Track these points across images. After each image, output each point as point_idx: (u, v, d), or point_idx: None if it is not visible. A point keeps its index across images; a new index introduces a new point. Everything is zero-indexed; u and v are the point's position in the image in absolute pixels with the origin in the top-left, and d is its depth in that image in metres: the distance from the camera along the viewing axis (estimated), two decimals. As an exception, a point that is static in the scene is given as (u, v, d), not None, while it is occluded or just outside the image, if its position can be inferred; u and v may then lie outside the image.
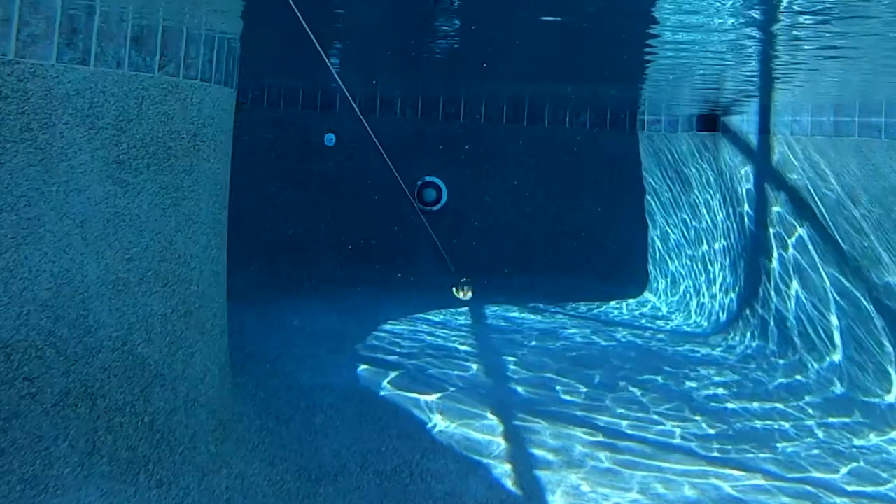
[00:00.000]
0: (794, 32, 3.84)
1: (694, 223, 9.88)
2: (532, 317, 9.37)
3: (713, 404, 6.45)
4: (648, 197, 10.76)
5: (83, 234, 3.88)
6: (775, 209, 7.97)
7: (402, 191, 10.64)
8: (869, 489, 5.00)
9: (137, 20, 4.00)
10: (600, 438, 5.51)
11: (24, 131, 3.70)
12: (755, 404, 6.49)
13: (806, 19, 3.53)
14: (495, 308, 9.54)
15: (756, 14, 3.56)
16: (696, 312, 9.55)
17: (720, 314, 9.09)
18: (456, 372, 6.83)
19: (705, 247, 9.64)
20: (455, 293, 4.69)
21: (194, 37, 4.34)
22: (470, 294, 4.66)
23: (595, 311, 9.90)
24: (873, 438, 5.84)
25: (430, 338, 7.94)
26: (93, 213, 3.91)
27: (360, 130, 10.91)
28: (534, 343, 8.13)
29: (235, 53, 4.99)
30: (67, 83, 3.80)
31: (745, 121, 8.58)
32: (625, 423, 5.88)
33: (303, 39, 5.81)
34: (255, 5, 4.09)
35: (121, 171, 4.01)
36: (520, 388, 6.56)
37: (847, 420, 6.18)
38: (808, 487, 4.94)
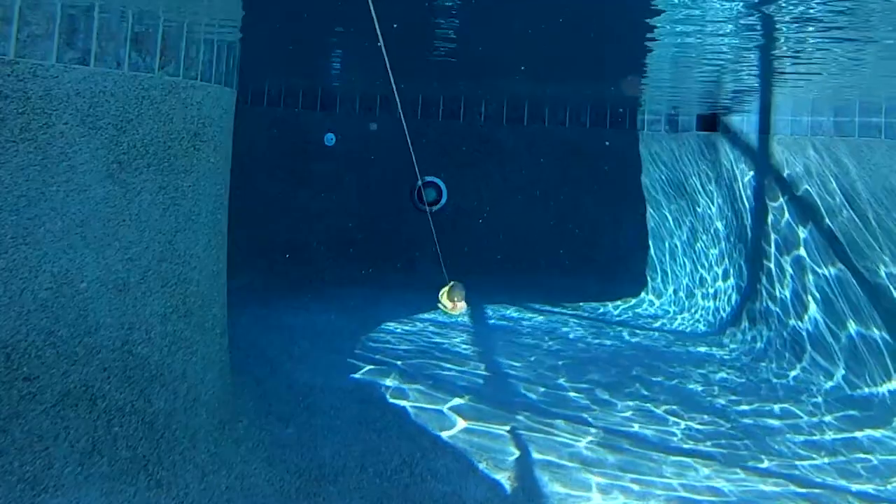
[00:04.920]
0: (794, 23, 3.84)
1: (694, 223, 9.87)
2: (532, 316, 9.36)
3: (714, 402, 6.45)
4: (648, 197, 10.75)
5: (83, 234, 3.88)
6: (775, 209, 7.97)
7: (401, 191, 10.63)
8: (871, 488, 4.99)
9: (137, 20, 4.00)
10: (601, 437, 5.51)
11: (24, 131, 3.70)
12: (756, 403, 6.49)
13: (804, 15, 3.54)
14: (495, 308, 9.53)
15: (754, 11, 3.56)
16: (696, 312, 9.55)
17: (720, 313, 9.09)
18: (456, 372, 6.83)
19: (705, 246, 9.64)
20: (443, 308, 3.95)
21: (194, 37, 4.34)
22: (461, 306, 3.96)
23: (595, 311, 9.89)
24: (877, 436, 5.84)
25: (429, 338, 7.94)
26: (93, 213, 3.91)
27: (360, 130, 10.90)
28: (534, 343, 8.13)
29: (235, 53, 4.98)
30: (67, 83, 3.80)
31: (744, 121, 8.58)
32: (625, 422, 5.87)
33: (303, 40, 5.81)
34: (254, 7, 4.10)
35: (121, 171, 4.01)
36: (520, 388, 6.55)
37: (850, 418, 6.18)
38: (812, 488, 4.94)
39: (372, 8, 2.52)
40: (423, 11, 4.14)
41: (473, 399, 6.11)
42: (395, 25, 3.87)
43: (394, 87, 3.19)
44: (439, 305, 4.00)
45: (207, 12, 4.12)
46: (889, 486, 5.02)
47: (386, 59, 2.87)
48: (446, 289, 3.95)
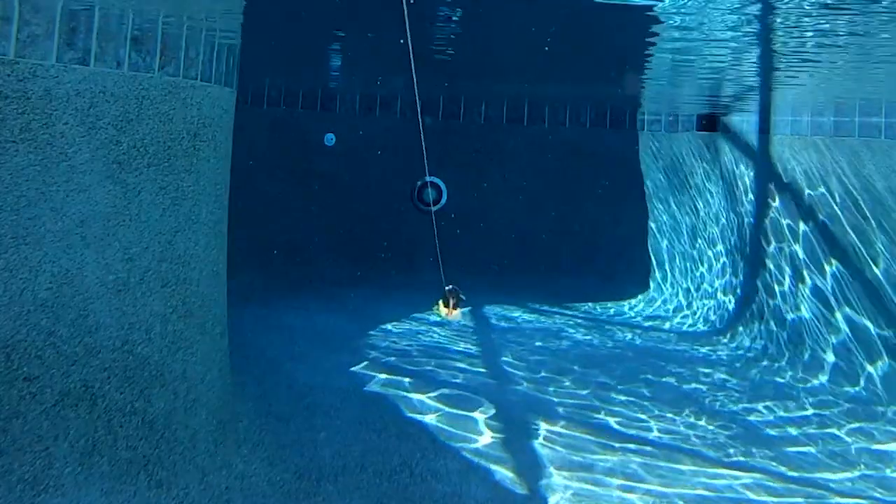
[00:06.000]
0: (796, 24, 3.84)
1: (694, 223, 9.87)
2: (532, 317, 9.36)
3: (714, 404, 6.45)
4: (648, 197, 10.76)
5: (83, 234, 3.88)
6: (775, 209, 7.97)
7: (401, 191, 10.61)
8: (871, 490, 4.99)
9: (137, 20, 4.00)
10: (602, 438, 5.50)
11: (24, 131, 3.70)
12: (756, 404, 6.49)
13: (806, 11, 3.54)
14: (495, 308, 9.53)
15: (755, 9, 3.56)
16: (696, 312, 9.55)
17: (721, 314, 9.09)
18: (456, 372, 6.83)
19: (706, 246, 9.64)
20: (439, 312, 3.61)
21: (194, 37, 4.34)
22: (458, 314, 3.63)
23: (595, 311, 9.89)
24: (877, 438, 5.84)
25: (430, 338, 7.94)
26: (93, 213, 3.91)
27: (360, 130, 10.88)
28: (534, 343, 8.12)
29: (235, 53, 4.99)
30: (67, 83, 3.80)
31: (744, 121, 8.58)
32: (626, 423, 5.87)
33: (303, 40, 5.81)
34: (255, 7, 4.09)
35: (121, 171, 4.01)
36: (520, 388, 6.55)
37: (850, 419, 6.18)
38: (811, 488, 4.94)
39: (406, 11, 2.49)
40: (423, 11, 4.14)
41: (475, 399, 6.11)
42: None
43: (415, 88, 3.17)
44: (434, 309, 3.72)
45: (208, 12, 4.12)
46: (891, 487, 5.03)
47: (412, 59, 2.85)
48: (445, 296, 3.63)
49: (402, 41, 2.85)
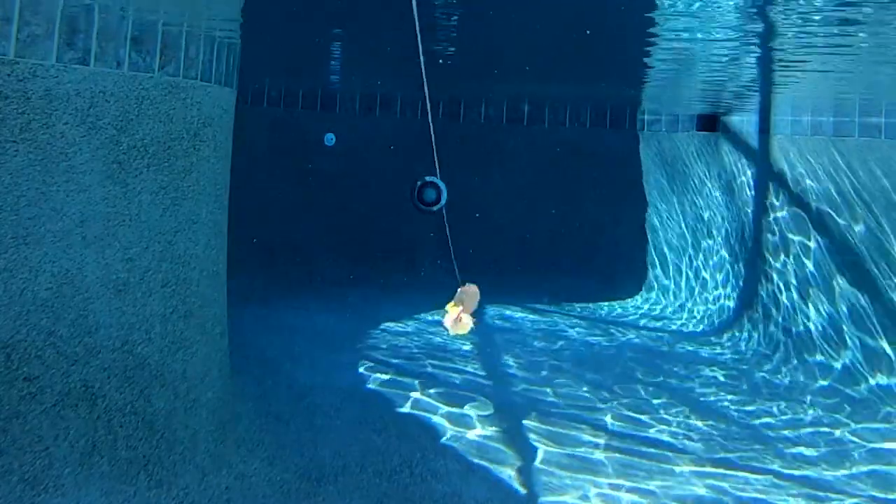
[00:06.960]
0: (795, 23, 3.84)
1: (694, 223, 9.87)
2: (532, 317, 9.36)
3: (714, 403, 6.45)
4: (648, 197, 10.75)
5: (83, 234, 3.88)
6: (775, 209, 7.97)
7: (401, 191, 10.62)
8: (873, 489, 4.99)
9: (137, 20, 4.00)
10: (601, 438, 5.51)
11: (24, 131, 3.70)
12: (756, 403, 6.49)
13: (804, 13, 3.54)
14: (495, 308, 9.53)
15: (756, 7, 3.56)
16: (696, 312, 9.55)
17: (720, 314, 9.09)
18: (456, 372, 6.83)
19: (705, 247, 9.64)
20: (446, 323, 2.94)
21: (194, 37, 4.34)
22: (468, 324, 2.96)
23: (595, 312, 9.89)
24: (876, 437, 5.84)
25: (429, 338, 7.94)
26: (93, 213, 3.91)
27: (360, 130, 10.86)
28: (534, 343, 8.13)
29: (235, 53, 4.98)
30: (67, 83, 3.80)
31: (744, 121, 8.58)
32: (626, 423, 5.87)
33: (303, 40, 5.81)
34: (254, 7, 4.09)
35: (121, 171, 4.01)
36: (520, 388, 6.55)
37: (849, 418, 6.18)
38: (811, 488, 4.94)
39: (416, 17, 2.44)
40: (423, 11, 4.13)
41: (473, 399, 6.11)
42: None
43: (426, 90, 3.12)
44: (443, 323, 3.03)
45: (207, 12, 4.12)
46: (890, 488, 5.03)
47: (422, 60, 2.82)
48: (458, 298, 2.95)
49: (418, 58, 2.83)
